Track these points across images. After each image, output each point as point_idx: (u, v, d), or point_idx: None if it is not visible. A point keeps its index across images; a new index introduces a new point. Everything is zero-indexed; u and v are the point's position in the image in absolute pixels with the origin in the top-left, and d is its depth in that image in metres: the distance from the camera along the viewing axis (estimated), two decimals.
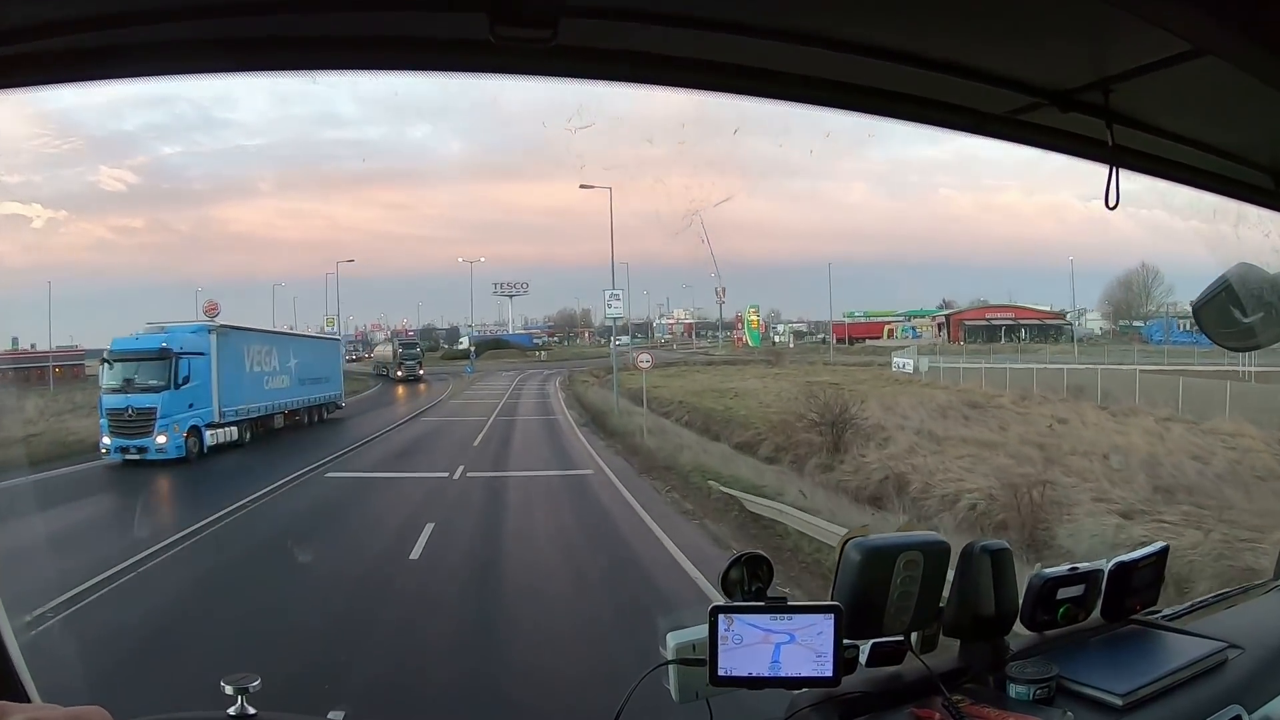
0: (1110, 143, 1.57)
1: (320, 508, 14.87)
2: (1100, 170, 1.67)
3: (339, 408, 29.31)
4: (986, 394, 25.74)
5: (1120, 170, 1.78)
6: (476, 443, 22.46)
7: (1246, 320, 1.99)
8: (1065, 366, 27.29)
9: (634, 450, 20.48)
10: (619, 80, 1.41)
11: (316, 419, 27.27)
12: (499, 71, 1.34)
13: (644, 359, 25.98)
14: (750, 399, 28.38)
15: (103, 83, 1.41)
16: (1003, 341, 38.29)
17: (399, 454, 21.09)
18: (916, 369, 33.25)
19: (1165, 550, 2.20)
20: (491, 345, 51.74)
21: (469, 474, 17.68)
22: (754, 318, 45.97)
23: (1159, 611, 2.23)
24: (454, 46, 1.30)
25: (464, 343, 52.34)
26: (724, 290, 46.11)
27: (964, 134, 1.69)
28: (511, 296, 51.05)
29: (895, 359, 35.16)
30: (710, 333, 50.27)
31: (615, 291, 32.96)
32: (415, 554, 11.36)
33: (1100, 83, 1.52)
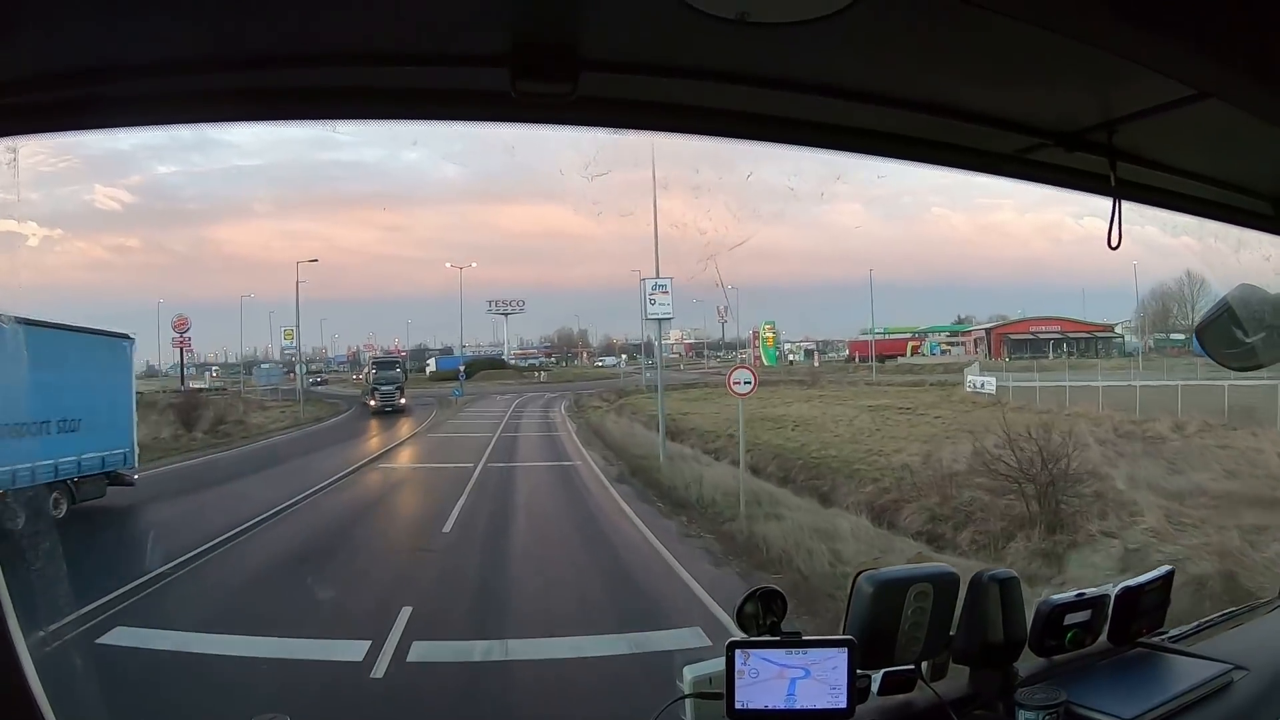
0: (1113, 181, 1.59)
1: None
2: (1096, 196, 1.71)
3: (124, 480, 13.82)
4: (1119, 419, 19.18)
5: (1124, 204, 1.82)
6: (448, 527, 12.33)
7: (1248, 340, 2.03)
8: (1139, 383, 22.56)
9: (746, 546, 10.82)
10: (636, 128, 1.43)
11: (70, 503, 12.32)
12: (520, 121, 1.36)
13: (741, 379, 15.46)
14: (818, 431, 22.10)
15: (126, 130, 1.45)
16: (1050, 356, 34.46)
17: (266, 586, 9.27)
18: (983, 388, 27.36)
19: (1170, 574, 2.23)
20: (486, 365, 45.76)
21: (412, 649, 7.27)
22: (770, 335, 40.79)
23: (1166, 633, 2.25)
24: (476, 98, 1.33)
25: (430, 365, 45.27)
26: (726, 309, 41.93)
27: (974, 174, 1.72)
28: (507, 315, 44.49)
29: (970, 377, 28.91)
30: (714, 353, 46.43)
31: (661, 282, 22.68)
32: None
33: (1106, 124, 1.55)
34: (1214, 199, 1.96)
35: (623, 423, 26.19)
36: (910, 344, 41.55)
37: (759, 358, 41.95)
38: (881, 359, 40.43)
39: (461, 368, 40.49)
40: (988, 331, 41.09)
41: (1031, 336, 39.38)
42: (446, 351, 44.73)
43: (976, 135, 1.59)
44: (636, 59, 1.26)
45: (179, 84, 1.29)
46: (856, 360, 40.33)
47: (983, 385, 27.48)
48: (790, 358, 43.79)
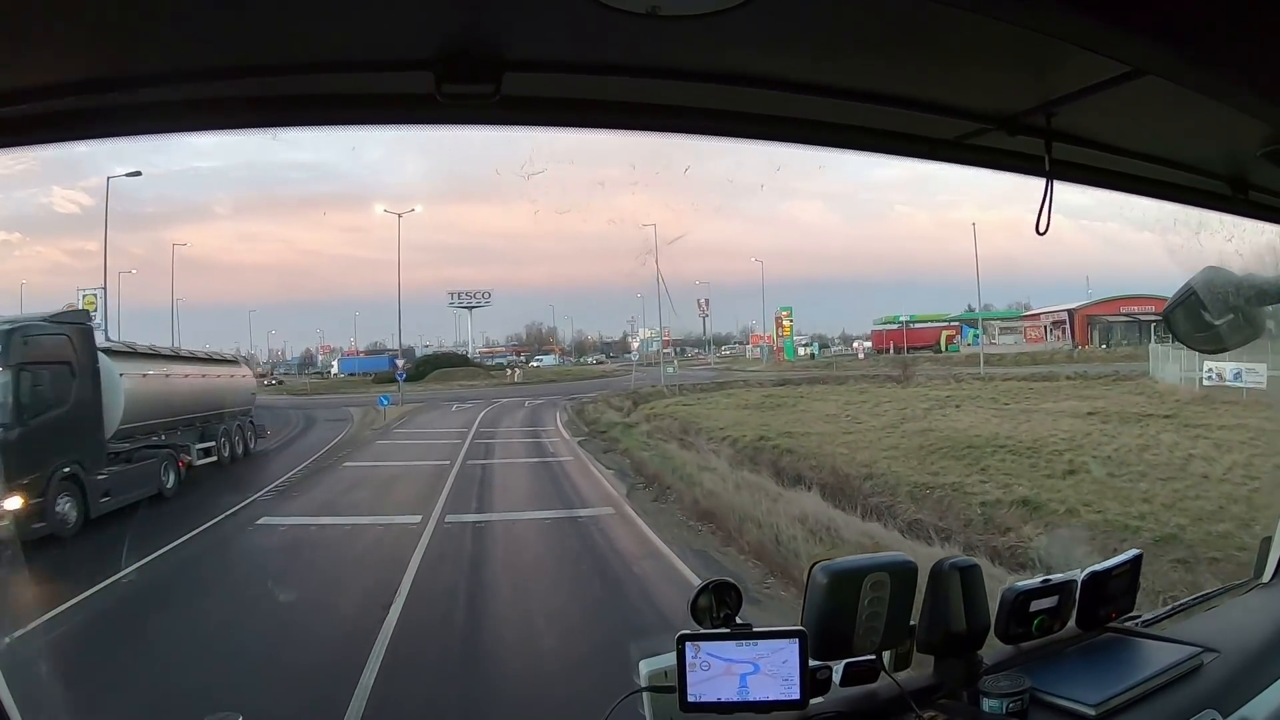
0: (1047, 164, 1.59)
1: None
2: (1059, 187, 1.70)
3: None
4: None
5: (1073, 186, 1.82)
6: None
7: (1216, 323, 2.03)
8: None
9: None
10: (565, 126, 1.44)
11: None
12: (447, 123, 1.38)
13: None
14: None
15: (74, 143, 1.47)
16: (1150, 340, 26.43)
17: None
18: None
19: (1139, 558, 2.22)
20: (443, 362, 37.72)
21: None
22: (786, 325, 35.03)
23: (1137, 617, 2.25)
24: (402, 102, 1.34)
25: (334, 368, 37.59)
26: (708, 303, 37.30)
27: (916, 160, 1.72)
28: (471, 308, 37.46)
29: (1212, 364, 18.15)
30: (694, 350, 41.54)
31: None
32: None
33: (1043, 106, 1.55)
34: (1168, 179, 1.96)
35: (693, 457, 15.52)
36: (945, 333, 35.82)
37: (779, 351, 37.06)
38: (906, 350, 34.61)
39: (399, 364, 31.64)
40: (1070, 314, 34.15)
41: (1127, 319, 32.73)
42: (408, 353, 36.89)
43: (918, 121, 1.59)
44: (556, 58, 1.27)
45: (118, 98, 1.31)
46: (891, 351, 34.45)
47: (1238, 377, 18.25)
48: (802, 350, 38.27)
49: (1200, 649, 1.98)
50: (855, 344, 39.18)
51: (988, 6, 1.19)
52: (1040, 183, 1.76)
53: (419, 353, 38.87)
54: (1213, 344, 2.13)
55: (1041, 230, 1.60)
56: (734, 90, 1.41)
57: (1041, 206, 1.61)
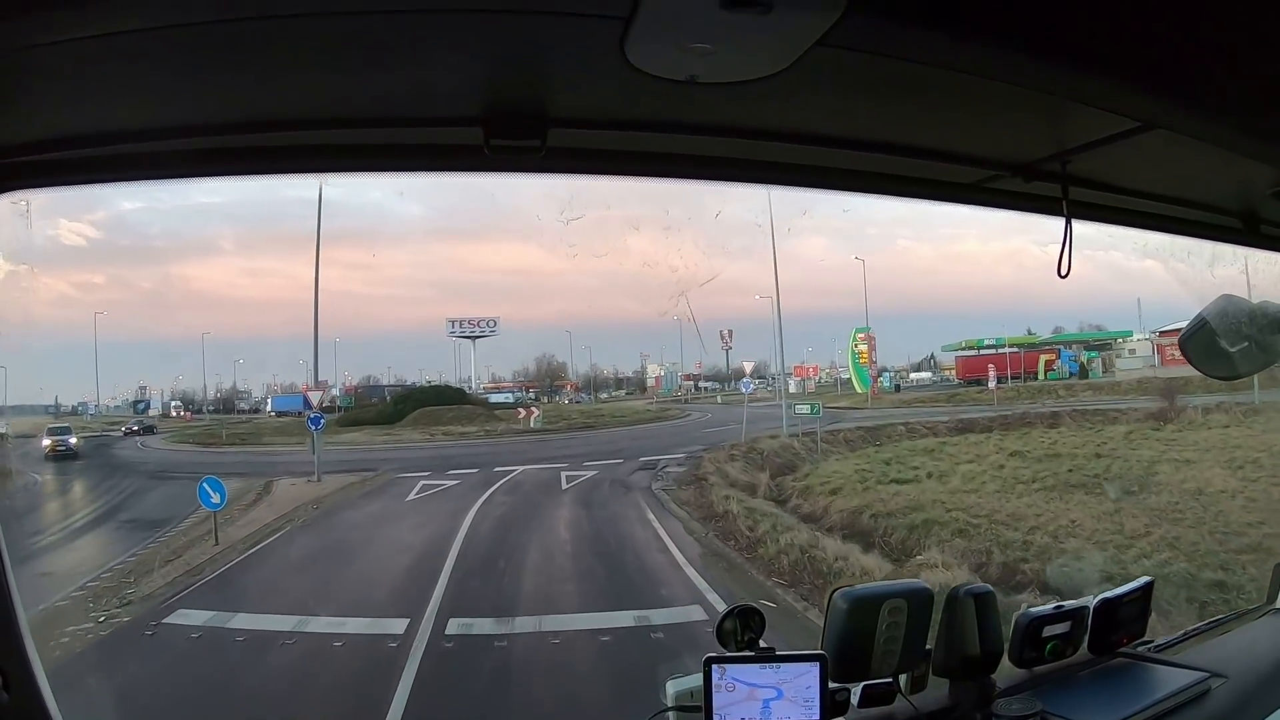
0: (1065, 209, 1.65)
1: None
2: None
3: None
4: None
5: (1085, 224, 1.87)
6: None
7: (1230, 351, 2.08)
8: None
9: None
10: (605, 175, 1.52)
11: None
12: (494, 171, 1.46)
13: None
14: None
15: (120, 185, 1.56)
16: None
17: None
18: None
19: (1150, 585, 2.27)
20: (429, 398, 28.41)
21: None
22: (864, 350, 26.91)
23: (1149, 642, 2.29)
24: (452, 152, 1.42)
25: (257, 397, 31.45)
26: (731, 334, 31.22)
27: (935, 203, 1.79)
28: (474, 338, 31.34)
29: None
30: (712, 384, 36.56)
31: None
32: None
33: (1059, 155, 1.61)
34: (1182, 216, 2.01)
35: None
36: (1043, 358, 30.20)
37: (849, 381, 29.00)
38: (970, 382, 29.06)
39: (312, 402, 21.31)
40: None
41: None
42: (369, 389, 30.10)
43: (939, 169, 1.66)
44: (598, 116, 1.35)
45: (178, 144, 1.40)
46: (994, 379, 27.66)
47: None
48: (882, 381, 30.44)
49: (1209, 674, 2.02)
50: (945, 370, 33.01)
51: (1001, 71, 1.26)
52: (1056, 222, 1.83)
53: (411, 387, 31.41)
54: (1228, 370, 2.18)
55: (1063, 274, 1.65)
56: (763, 144, 1.48)
57: (1062, 250, 1.66)
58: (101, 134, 1.34)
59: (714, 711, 1.66)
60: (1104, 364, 30.04)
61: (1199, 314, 2.11)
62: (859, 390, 26.93)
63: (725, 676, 1.66)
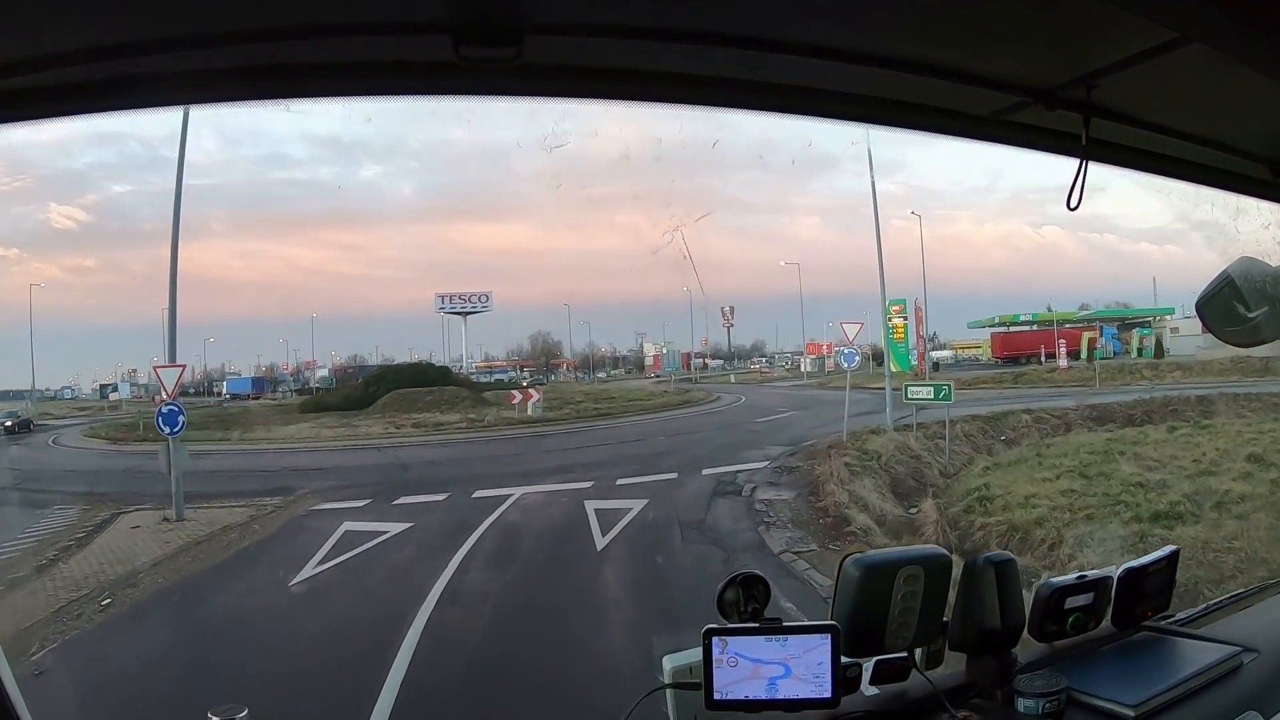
0: (1084, 140, 1.54)
1: None
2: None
3: None
4: None
5: (1108, 173, 1.75)
6: None
7: (1251, 316, 1.96)
8: None
9: None
10: (588, 96, 1.38)
11: None
12: (466, 93, 1.32)
13: None
14: None
15: (84, 116, 1.42)
16: None
17: None
18: None
19: (1175, 554, 2.15)
20: (406, 378, 23.95)
21: None
22: (900, 323, 22.95)
23: (1172, 616, 2.18)
24: (420, 69, 1.29)
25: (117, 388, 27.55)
26: (733, 311, 30.84)
27: (950, 137, 1.67)
28: (465, 314, 28.58)
29: None
30: (716, 362, 35.68)
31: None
32: None
33: (1084, 78, 1.50)
34: (1205, 161, 1.90)
35: None
36: (1087, 335, 27.56)
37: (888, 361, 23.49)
38: (1019, 360, 26.07)
39: (159, 397, 14.24)
40: None
41: None
42: (347, 372, 26.82)
43: (953, 95, 1.54)
44: (582, 20, 1.21)
45: (115, 67, 1.26)
46: (1064, 360, 24.65)
47: None
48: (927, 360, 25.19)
49: (1240, 649, 1.91)
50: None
51: None
52: (1070, 162, 1.71)
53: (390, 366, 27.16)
54: (1247, 337, 2.06)
55: (1073, 206, 1.55)
56: (767, 57, 1.35)
57: (1074, 183, 1.56)
58: (23, 61, 1.21)
59: (714, 688, 1.53)
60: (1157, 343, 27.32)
61: (1222, 271, 1.99)
62: (895, 370, 22.64)
63: (727, 650, 1.53)
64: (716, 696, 1.53)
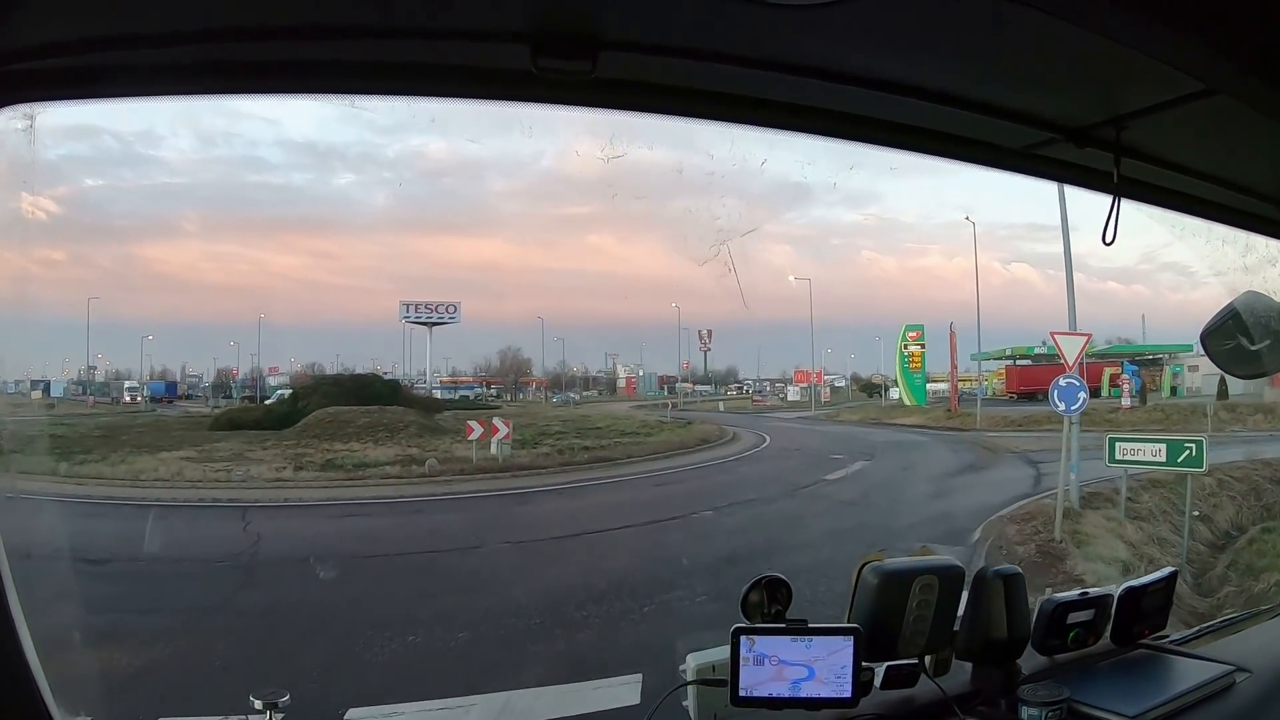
0: (1116, 178, 1.61)
1: None
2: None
3: None
4: None
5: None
6: None
7: (1254, 348, 2.04)
8: None
9: None
10: (654, 111, 1.44)
11: None
12: (539, 101, 1.38)
13: None
14: None
15: (144, 100, 1.45)
16: None
17: None
18: None
19: (1174, 575, 2.23)
20: (347, 392, 20.51)
21: None
22: (915, 352, 21.06)
23: (1168, 636, 2.26)
24: (497, 76, 1.34)
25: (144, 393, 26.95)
26: (710, 334, 29.65)
27: (980, 168, 1.74)
28: (431, 325, 26.40)
29: None
30: (713, 387, 34.68)
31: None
32: None
33: (1114, 120, 1.57)
34: (1220, 201, 1.99)
35: None
36: (1108, 371, 25.14)
37: (900, 393, 22.09)
38: (1036, 396, 22.69)
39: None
40: None
41: None
42: (324, 380, 23.16)
43: (986, 128, 1.61)
44: (655, 40, 1.28)
45: (195, 54, 1.30)
46: (1128, 399, 22.65)
47: None
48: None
49: (1233, 668, 1.99)
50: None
51: (1068, 11, 1.21)
52: (1101, 199, 1.79)
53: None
54: (1249, 368, 2.14)
55: (1108, 241, 1.62)
56: (812, 83, 1.42)
57: (1108, 220, 1.63)
58: (87, 40, 1.23)
59: (740, 685, 1.59)
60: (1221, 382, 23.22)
61: (1229, 304, 2.08)
62: (908, 403, 20.31)
63: (754, 649, 1.58)
64: (742, 694, 1.58)
